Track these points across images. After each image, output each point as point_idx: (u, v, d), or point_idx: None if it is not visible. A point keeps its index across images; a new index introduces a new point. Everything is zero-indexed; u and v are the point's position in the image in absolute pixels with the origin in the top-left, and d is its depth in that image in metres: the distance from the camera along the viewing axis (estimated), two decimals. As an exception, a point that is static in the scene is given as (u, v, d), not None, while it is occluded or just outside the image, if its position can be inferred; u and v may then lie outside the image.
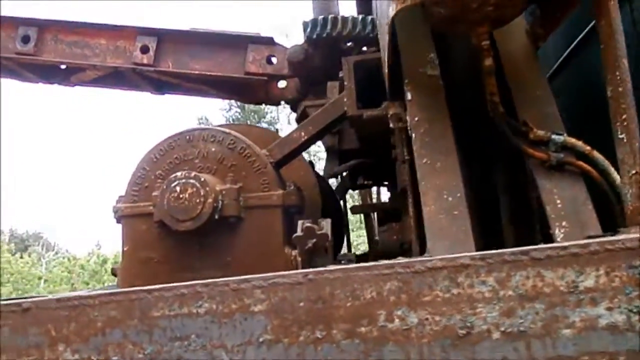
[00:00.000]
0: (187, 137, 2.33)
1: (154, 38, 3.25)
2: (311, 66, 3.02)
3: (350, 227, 4.23)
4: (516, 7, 1.65)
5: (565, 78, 2.37)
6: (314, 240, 1.93)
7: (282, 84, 3.28)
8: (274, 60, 3.15)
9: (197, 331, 0.98)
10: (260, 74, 3.14)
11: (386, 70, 1.99)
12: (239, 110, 23.97)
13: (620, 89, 1.37)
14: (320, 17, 2.93)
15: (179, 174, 2.16)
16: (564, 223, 1.53)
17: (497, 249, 1.00)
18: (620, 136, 1.41)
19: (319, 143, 3.03)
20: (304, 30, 2.96)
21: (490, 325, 0.91)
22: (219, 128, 2.39)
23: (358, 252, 4.29)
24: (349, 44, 3.02)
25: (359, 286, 0.95)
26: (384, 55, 2.32)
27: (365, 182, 3.80)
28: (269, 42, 3.17)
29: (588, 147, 1.63)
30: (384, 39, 2.29)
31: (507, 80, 1.82)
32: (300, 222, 2.07)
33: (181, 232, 2.14)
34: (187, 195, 2.11)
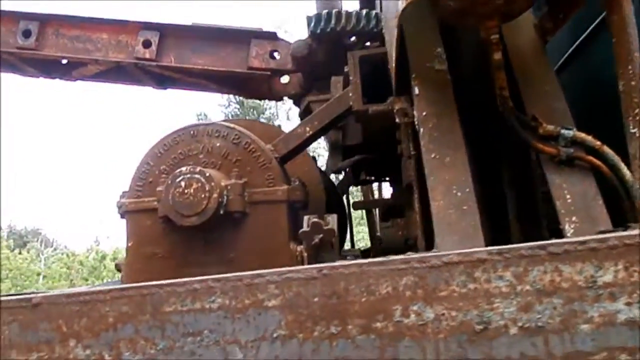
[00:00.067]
0: (192, 132, 2.31)
1: (156, 33, 3.23)
2: (315, 61, 3.00)
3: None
4: (526, 0, 1.64)
5: (570, 74, 2.36)
6: (321, 235, 1.92)
7: (284, 79, 3.26)
8: (277, 55, 3.13)
9: (210, 326, 0.97)
10: (263, 69, 3.12)
11: (393, 65, 1.98)
12: (237, 106, 23.93)
13: (632, 83, 1.36)
14: (324, 11, 2.91)
15: (183, 169, 2.14)
16: (574, 218, 1.52)
17: (504, 245, 1.00)
18: (632, 131, 1.40)
19: (319, 139, 3.01)
20: (308, 25, 2.94)
21: (508, 320, 0.90)
22: (223, 123, 2.37)
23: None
24: (352, 39, 3.00)
25: (374, 281, 0.94)
26: (390, 49, 2.31)
27: (368, 178, 3.80)
28: (272, 37, 3.15)
29: (598, 142, 1.61)
30: (389, 34, 2.28)
31: (516, 75, 1.81)
32: (306, 218, 2.06)
33: (186, 227, 2.13)
34: (192, 191, 2.10)
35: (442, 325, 0.91)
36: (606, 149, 1.61)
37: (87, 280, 20.26)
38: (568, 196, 1.56)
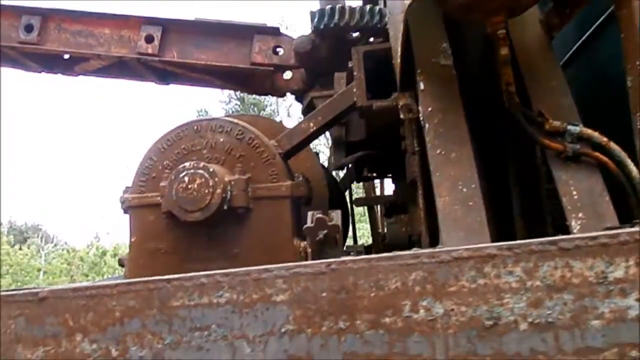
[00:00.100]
0: (195, 128, 2.31)
1: (158, 28, 3.21)
2: (318, 57, 2.99)
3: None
4: (533, -4, 1.63)
5: (575, 70, 2.35)
6: (325, 231, 1.92)
7: (287, 75, 3.25)
8: (280, 50, 3.12)
9: (218, 321, 0.97)
10: (267, 64, 3.10)
11: (399, 61, 1.97)
12: (238, 102, 23.91)
13: (641, 79, 1.35)
14: (328, 7, 2.90)
15: (187, 164, 2.14)
16: (580, 215, 1.51)
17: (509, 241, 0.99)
18: (640, 127, 1.39)
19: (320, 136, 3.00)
20: (311, 21, 2.93)
21: (518, 316, 0.89)
22: (227, 118, 2.36)
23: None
24: (355, 35, 2.99)
25: (383, 276, 0.93)
26: (395, 45, 2.30)
27: (370, 175, 3.79)
28: (275, 32, 3.13)
29: (605, 139, 1.61)
30: (394, 29, 2.27)
31: (522, 71, 1.80)
32: (310, 213, 2.05)
33: (189, 222, 2.13)
34: (195, 186, 2.09)
35: (451, 320, 0.91)
36: (613, 145, 1.61)
37: (87, 276, 20.27)
38: (574, 192, 1.55)
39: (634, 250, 0.88)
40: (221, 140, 2.28)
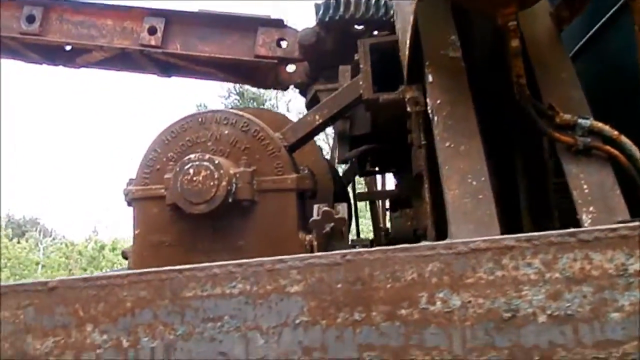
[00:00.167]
0: (200, 119, 2.29)
1: (161, 19, 3.19)
2: (322, 49, 2.97)
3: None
4: (544, -13, 1.61)
5: (584, 62, 2.33)
6: (332, 224, 1.90)
7: (291, 68, 3.23)
8: (284, 43, 3.10)
9: (231, 312, 0.95)
10: (270, 57, 3.09)
11: (406, 53, 1.95)
12: (237, 97, 23.85)
13: (655, 71, 1.34)
14: (332, -1, 2.87)
15: (192, 156, 2.12)
16: (591, 208, 1.50)
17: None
18: (653, 120, 1.38)
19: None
20: (316, 13, 2.91)
21: (536, 308, 0.88)
22: (231, 110, 2.35)
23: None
24: (360, 27, 2.97)
25: (400, 267, 0.92)
26: (402, 37, 2.28)
27: (372, 169, 3.77)
28: (279, 24, 3.11)
29: (615, 132, 1.60)
30: (401, 21, 2.25)
31: (531, 63, 1.79)
32: (316, 206, 2.04)
33: (194, 215, 2.11)
34: (200, 178, 2.08)
35: (468, 312, 0.89)
36: (624, 139, 1.59)
37: (85, 270, 20.26)
38: (585, 186, 1.54)
39: (654, 242, 0.87)
40: (226, 132, 2.26)
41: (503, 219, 1.86)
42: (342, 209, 2.00)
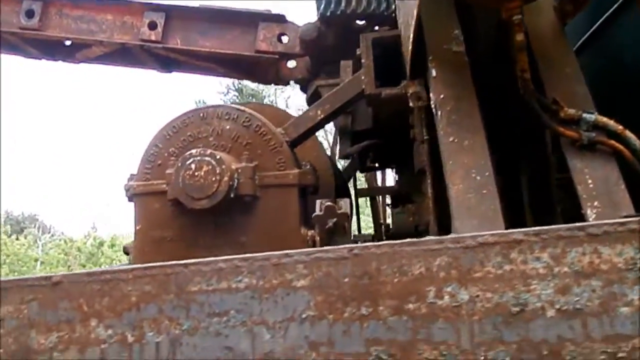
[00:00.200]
0: (201, 115, 2.28)
1: (161, 14, 3.17)
2: (324, 45, 2.96)
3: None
4: (548, -19, 1.60)
5: (587, 57, 2.32)
6: (335, 219, 1.90)
7: (291, 63, 3.21)
8: (285, 38, 3.08)
9: (237, 307, 0.95)
10: (271, 52, 3.07)
11: (409, 47, 1.94)
12: (236, 93, 23.81)
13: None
14: (334, -7, 2.86)
15: (194, 151, 2.11)
16: (595, 203, 1.49)
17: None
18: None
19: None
20: (317, 8, 2.89)
21: (545, 302, 0.88)
22: (233, 105, 2.34)
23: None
24: (362, 22, 2.95)
25: (407, 262, 0.91)
26: (405, 32, 2.27)
27: (373, 165, 3.76)
28: (281, 19, 3.10)
29: (620, 127, 1.59)
30: (403, 15, 2.24)
31: (535, 58, 1.78)
32: (318, 202, 2.03)
33: (196, 210, 2.10)
34: (202, 173, 2.07)
35: (476, 307, 0.89)
36: (628, 134, 1.59)
37: (84, 266, 20.24)
38: (590, 181, 1.54)
39: (664, 236, 0.86)
40: (227, 127, 2.25)
41: (506, 215, 1.86)
42: (344, 204, 1.99)
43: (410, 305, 0.90)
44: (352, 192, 3.56)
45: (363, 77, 2.29)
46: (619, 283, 0.87)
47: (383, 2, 2.85)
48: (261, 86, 21.66)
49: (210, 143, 2.23)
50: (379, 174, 4.50)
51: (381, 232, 3.98)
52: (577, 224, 0.90)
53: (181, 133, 2.26)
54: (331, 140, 4.48)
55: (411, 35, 1.87)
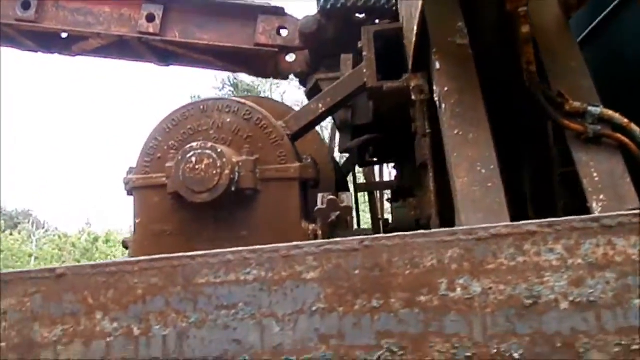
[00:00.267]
0: (201, 107, 2.26)
1: (160, 6, 3.14)
2: (324, 38, 2.94)
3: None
4: (555, -27, 1.59)
5: (590, 51, 2.31)
6: (338, 213, 1.88)
7: (290, 57, 3.19)
8: (284, 31, 3.06)
9: (245, 299, 0.93)
10: (271, 45, 3.04)
11: (413, 40, 1.92)
12: (232, 88, 23.70)
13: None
14: (335, -14, 2.83)
15: (194, 144, 2.09)
16: (601, 196, 1.49)
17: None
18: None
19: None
20: (318, 1, 2.87)
21: (558, 295, 0.87)
22: (234, 98, 2.31)
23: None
24: (362, 15, 2.93)
25: (419, 254, 0.90)
26: (405, 25, 2.25)
27: (372, 159, 3.75)
28: (280, 12, 3.07)
29: (626, 120, 1.58)
30: (406, 7, 2.22)
31: (540, 51, 1.77)
32: (320, 195, 2.02)
33: (196, 204, 2.09)
34: (203, 167, 2.05)
35: (489, 299, 0.88)
36: (634, 127, 1.58)
37: (79, 262, 20.16)
38: (595, 174, 1.53)
39: (679, 227, 0.85)
40: (228, 120, 2.23)
41: (510, 208, 1.85)
42: (346, 198, 1.98)
43: (422, 298, 0.89)
44: (351, 186, 3.55)
45: (365, 70, 2.28)
46: (633, 275, 0.86)
47: (384, -5, 2.83)
48: (257, 81, 21.57)
49: (210, 136, 2.21)
50: (377, 169, 4.49)
51: (379, 226, 3.98)
52: (592, 215, 0.89)
53: (181, 126, 2.24)
54: (326, 135, 4.47)
55: (415, 28, 1.86)
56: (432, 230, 0.92)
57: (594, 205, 1.48)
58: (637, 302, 0.85)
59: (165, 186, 2.14)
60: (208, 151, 2.06)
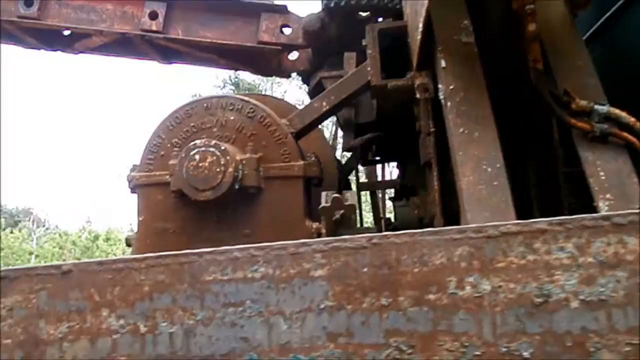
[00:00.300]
0: (205, 105, 2.25)
1: (162, 4, 3.13)
2: (327, 36, 2.93)
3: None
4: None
5: (595, 49, 2.30)
6: (342, 211, 1.88)
7: (293, 55, 3.19)
8: (288, 29, 3.05)
9: (253, 297, 0.92)
10: (274, 43, 3.04)
11: (418, 38, 1.92)
12: (232, 87, 23.70)
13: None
14: (338, -16, 2.82)
15: (198, 141, 2.08)
16: (608, 195, 1.48)
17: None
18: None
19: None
20: (322, -1, 2.86)
21: (569, 293, 0.86)
22: (237, 96, 2.31)
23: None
24: (365, 14, 2.93)
25: (428, 251, 0.89)
26: (410, 23, 2.24)
27: (373, 158, 3.74)
28: (283, 10, 3.06)
29: (632, 119, 1.57)
30: (411, 5, 2.21)
31: (546, 49, 1.76)
32: (324, 193, 2.01)
33: (199, 202, 2.08)
34: (206, 164, 2.04)
35: (499, 297, 0.87)
36: (641, 126, 1.57)
37: (79, 260, 20.15)
38: (602, 173, 1.52)
39: (690, 226, 0.84)
40: (232, 118, 2.22)
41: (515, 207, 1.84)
42: (350, 196, 1.97)
43: (431, 296, 0.88)
44: (354, 185, 3.55)
45: (369, 68, 2.27)
46: (644, 274, 0.85)
47: (387, -7, 2.82)
48: (258, 80, 21.55)
49: (214, 134, 2.20)
50: (378, 168, 4.48)
51: (381, 226, 3.97)
52: (603, 214, 0.88)
53: (184, 124, 2.24)
54: (331, 133, 4.46)
55: (420, 26, 1.85)
56: (442, 228, 0.91)
57: (601, 204, 1.48)
58: (649, 301, 0.84)
59: (168, 184, 2.13)
60: (212, 149, 2.05)
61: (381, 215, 4.33)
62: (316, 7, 2.98)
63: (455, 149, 1.64)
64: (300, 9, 3.08)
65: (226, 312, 0.93)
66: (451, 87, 1.74)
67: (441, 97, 1.80)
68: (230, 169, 2.04)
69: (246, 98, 2.27)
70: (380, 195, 4.41)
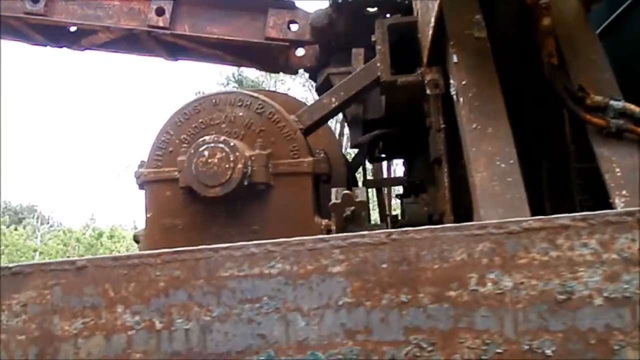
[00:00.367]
0: (213, 101, 2.24)
1: (169, 0, 3.12)
2: (335, 32, 2.91)
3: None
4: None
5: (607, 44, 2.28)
6: (353, 208, 1.86)
7: (300, 51, 3.17)
8: (295, 25, 3.03)
9: (270, 293, 0.91)
10: (281, 39, 3.02)
11: (429, 33, 1.90)
12: (236, 85, 23.68)
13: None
14: (346, -20, 2.81)
15: (207, 137, 2.07)
16: (624, 192, 1.46)
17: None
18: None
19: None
20: (329, -6, 2.84)
21: (592, 290, 0.85)
22: (246, 92, 2.29)
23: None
24: (373, 10, 2.91)
25: (448, 247, 0.88)
26: (421, 18, 2.22)
27: (381, 155, 3.72)
28: (291, 6, 3.04)
29: (648, 114, 1.55)
30: (422, 0, 2.19)
31: (560, 44, 1.74)
32: (334, 190, 2.00)
33: (208, 198, 2.07)
34: (215, 160, 2.03)
35: (521, 294, 0.86)
36: (657, 122, 1.55)
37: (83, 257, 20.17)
38: (617, 170, 1.50)
39: None
40: (240, 114, 2.21)
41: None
42: (361, 192, 1.96)
43: (452, 293, 0.87)
44: (360, 183, 3.53)
45: (378, 64, 2.25)
46: (670, 270, 0.83)
47: (395, -11, 2.80)
48: (261, 77, 21.52)
49: (222, 130, 2.19)
50: (384, 164, 4.46)
51: (387, 223, 3.95)
52: (627, 209, 0.86)
53: (193, 120, 2.22)
54: (339, 130, 4.44)
55: (432, 21, 1.83)
56: (462, 224, 0.90)
57: (617, 200, 1.46)
58: (674, 298, 0.83)
59: (177, 180, 2.12)
60: (221, 145, 2.04)
61: (387, 213, 4.32)
62: (324, 3, 2.97)
63: (468, 145, 1.62)
64: (307, 4, 3.06)
65: (243, 308, 0.92)
66: (463, 82, 1.72)
67: (453, 92, 1.78)
68: (240, 165, 2.02)
69: (255, 94, 2.26)
70: (386, 192, 4.39)
